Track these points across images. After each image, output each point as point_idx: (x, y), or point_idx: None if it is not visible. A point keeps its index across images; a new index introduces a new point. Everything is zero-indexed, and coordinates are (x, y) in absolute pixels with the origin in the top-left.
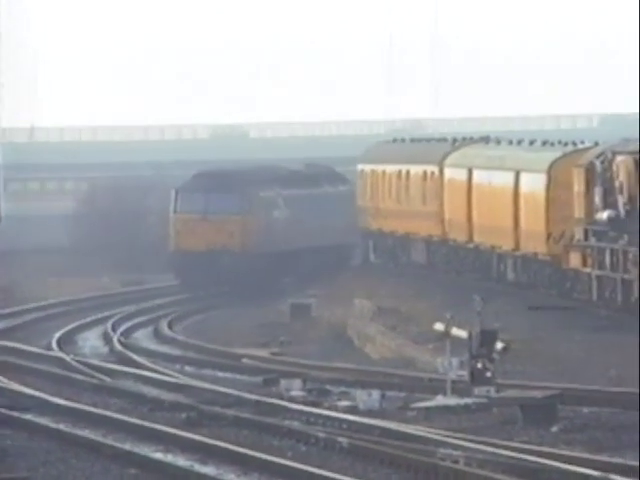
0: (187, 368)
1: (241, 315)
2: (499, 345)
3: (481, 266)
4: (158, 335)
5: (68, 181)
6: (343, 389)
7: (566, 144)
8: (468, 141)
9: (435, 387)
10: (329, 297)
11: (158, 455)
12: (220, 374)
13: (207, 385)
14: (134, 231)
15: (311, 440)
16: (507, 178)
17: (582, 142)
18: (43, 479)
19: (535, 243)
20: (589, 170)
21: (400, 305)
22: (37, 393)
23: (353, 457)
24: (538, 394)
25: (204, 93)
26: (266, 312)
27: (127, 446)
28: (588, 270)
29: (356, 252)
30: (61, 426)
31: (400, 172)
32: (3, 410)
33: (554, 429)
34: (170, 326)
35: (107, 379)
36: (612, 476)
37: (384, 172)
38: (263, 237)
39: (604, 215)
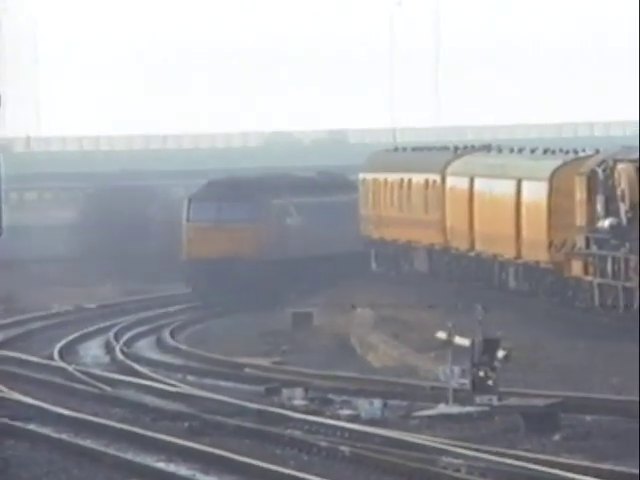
0: (189, 377)
1: (243, 324)
2: (501, 353)
3: (483, 274)
4: (160, 344)
5: (70, 190)
6: (345, 398)
7: (567, 152)
8: (470, 149)
9: (437, 395)
10: (331, 306)
11: (160, 464)
12: (222, 383)
13: (209, 394)
14: (136, 240)
15: (313, 449)
16: (509, 186)
17: (583, 150)
18: None
19: (537, 251)
20: (591, 178)
21: (402, 313)
22: (39, 403)
23: (355, 466)
24: (540, 402)
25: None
26: (268, 321)
27: (129, 456)
28: (590, 278)
29: (369, 260)
30: (63, 436)
31: (402, 180)
32: (5, 420)
33: (556, 437)
34: (172, 335)
35: (109, 389)
36: None
37: (386, 180)
38: (275, 245)
39: (606, 223)
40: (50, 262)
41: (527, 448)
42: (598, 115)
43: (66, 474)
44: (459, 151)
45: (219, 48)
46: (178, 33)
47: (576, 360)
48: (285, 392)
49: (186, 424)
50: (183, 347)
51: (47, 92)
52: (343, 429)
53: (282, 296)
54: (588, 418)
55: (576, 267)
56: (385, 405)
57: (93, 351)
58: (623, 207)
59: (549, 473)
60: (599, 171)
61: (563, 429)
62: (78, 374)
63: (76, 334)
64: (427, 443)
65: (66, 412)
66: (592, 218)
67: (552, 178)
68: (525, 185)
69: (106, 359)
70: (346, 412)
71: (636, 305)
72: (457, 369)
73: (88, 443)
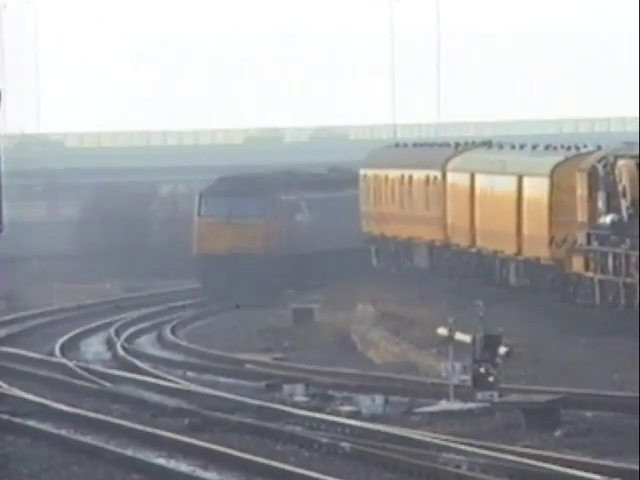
0: (189, 373)
1: (244, 320)
2: (502, 349)
3: (484, 271)
4: (161, 340)
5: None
6: (346, 394)
7: (568, 148)
8: (470, 146)
9: (438, 392)
10: (332, 302)
11: (161, 460)
12: (223, 379)
13: (210, 390)
14: (138, 237)
15: (314, 445)
16: (510, 182)
17: (585, 146)
18: None
19: (538, 247)
20: (592, 174)
21: (403, 310)
22: (39, 399)
23: (356, 462)
24: (541, 398)
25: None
26: (269, 317)
27: (129, 452)
28: (591, 274)
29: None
30: (63, 432)
31: (403, 177)
32: (5, 416)
33: (557, 433)
34: (173, 332)
35: (109, 385)
36: None
37: (387, 177)
38: (286, 240)
39: (607, 219)
40: (52, 259)
41: (528, 444)
42: (599, 111)
43: (66, 470)
44: (460, 147)
45: (218, 48)
46: (178, 29)
47: (577, 356)
48: (286, 388)
49: (187, 420)
50: (183, 343)
51: (47, 88)
52: (344, 425)
53: (290, 292)
54: (589, 414)
55: (577, 263)
56: (386, 401)
57: (94, 347)
58: (624, 203)
59: (550, 469)
60: (600, 167)
61: (564, 425)
62: (79, 370)
63: (77, 330)
64: (428, 439)
65: (66, 408)
66: (593, 214)
67: (553, 174)
68: (526, 181)
69: (107, 355)
70: (347, 408)
71: (637, 301)
72: (458, 365)
73: (88, 439)
